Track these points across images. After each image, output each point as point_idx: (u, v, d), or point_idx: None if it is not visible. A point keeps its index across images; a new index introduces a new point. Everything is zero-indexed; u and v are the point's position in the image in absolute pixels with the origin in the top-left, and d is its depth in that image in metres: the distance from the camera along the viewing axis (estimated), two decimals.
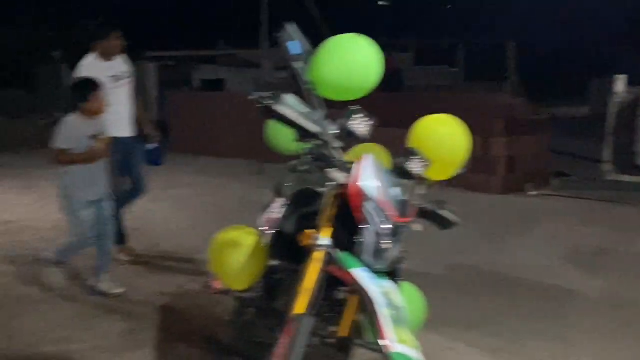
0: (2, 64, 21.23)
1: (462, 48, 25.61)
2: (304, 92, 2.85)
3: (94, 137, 5.06)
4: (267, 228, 3.31)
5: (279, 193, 3.55)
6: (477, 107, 10.08)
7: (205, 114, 13.91)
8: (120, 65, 5.99)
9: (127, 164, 5.96)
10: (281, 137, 3.49)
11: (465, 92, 17.83)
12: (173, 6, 29.29)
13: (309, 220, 2.77)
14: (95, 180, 5.12)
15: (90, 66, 5.71)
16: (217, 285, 3.12)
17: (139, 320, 4.79)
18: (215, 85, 18.90)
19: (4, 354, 4.29)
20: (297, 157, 3.50)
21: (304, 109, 2.67)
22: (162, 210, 8.40)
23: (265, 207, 3.56)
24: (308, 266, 2.59)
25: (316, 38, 3.12)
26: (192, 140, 13.74)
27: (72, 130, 4.99)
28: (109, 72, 5.75)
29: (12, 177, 10.67)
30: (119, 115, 5.79)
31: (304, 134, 2.71)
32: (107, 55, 5.84)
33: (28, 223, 7.61)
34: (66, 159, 5.01)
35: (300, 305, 2.55)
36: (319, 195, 2.88)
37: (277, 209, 3.44)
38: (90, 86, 5.10)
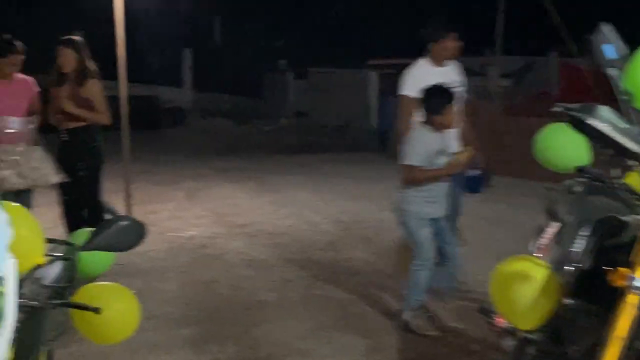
0: (233, 72, 22.40)
1: None
2: (619, 104, 2.44)
3: (442, 152, 4.55)
4: (541, 256, 2.94)
5: (553, 216, 3.15)
6: None
7: None
8: (453, 72, 5.17)
9: None
10: (560, 151, 3.10)
11: None
12: (395, 14, 29.40)
13: (614, 254, 2.35)
14: (438, 197, 4.62)
15: (420, 72, 5.02)
16: (501, 322, 2.78)
17: (380, 338, 4.57)
18: None
19: None
20: (569, 175, 3.09)
21: (622, 123, 2.26)
22: (380, 221, 8.18)
23: (538, 231, 3.17)
24: (620, 311, 2.18)
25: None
26: None
27: (422, 146, 4.50)
28: (442, 79, 4.79)
29: (244, 181, 11.05)
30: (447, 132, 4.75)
31: (621, 153, 2.30)
32: (439, 60, 5.09)
33: (263, 227, 7.75)
34: (422, 176, 4.51)
35: (611, 356, 2.14)
36: (623, 225, 2.45)
37: (551, 235, 3.05)
38: (446, 97, 4.49)
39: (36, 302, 1.88)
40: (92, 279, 2.67)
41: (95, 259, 2.58)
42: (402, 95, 5.04)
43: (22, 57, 5.51)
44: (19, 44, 5.47)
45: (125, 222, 2.11)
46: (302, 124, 18.89)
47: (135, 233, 2.15)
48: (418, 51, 5.30)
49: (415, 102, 4.73)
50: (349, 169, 12.32)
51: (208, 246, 6.91)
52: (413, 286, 4.65)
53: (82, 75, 5.61)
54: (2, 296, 1.66)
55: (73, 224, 5.60)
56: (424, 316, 4.70)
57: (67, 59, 5.58)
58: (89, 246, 2.11)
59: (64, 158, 5.57)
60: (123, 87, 7.21)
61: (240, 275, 5.98)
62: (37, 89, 5.64)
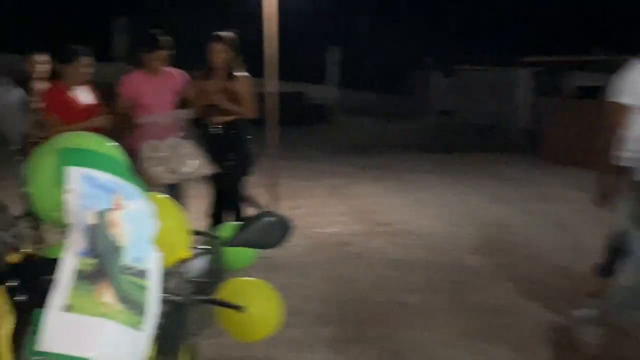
0: (378, 69, 22.32)
1: None
2: None
3: None
4: None
5: None
6: None
7: (580, 123, 12.89)
8: None
9: None
10: None
11: None
12: (547, 11, 28.21)
13: None
14: None
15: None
16: None
17: (532, 353, 4.28)
18: (591, 92, 17.60)
19: None
20: None
21: None
22: (528, 224, 7.73)
23: None
24: None
25: None
26: (567, 150, 12.82)
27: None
28: None
29: (386, 179, 10.90)
30: None
31: None
32: None
33: (405, 226, 7.56)
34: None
35: None
36: None
37: None
38: None
39: (180, 298, 1.82)
40: (236, 272, 2.61)
41: (240, 253, 2.51)
42: (613, 102, 4.46)
43: (168, 52, 5.61)
44: (164, 39, 5.57)
45: (271, 219, 2.02)
46: (446, 123, 18.47)
47: (281, 230, 2.05)
48: (570, 48, 4.83)
49: (628, 111, 4.34)
50: (496, 170, 11.85)
51: (349, 244, 6.82)
52: (618, 299, 4.17)
53: (231, 70, 5.68)
54: (145, 290, 1.60)
55: (219, 217, 5.68)
56: (601, 335, 4.22)
57: (218, 55, 5.66)
58: (233, 242, 2.03)
59: (213, 151, 5.65)
60: (271, 83, 7.26)
61: (382, 275, 5.84)
62: (185, 80, 5.75)
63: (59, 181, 1.57)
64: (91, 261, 1.52)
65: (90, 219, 1.55)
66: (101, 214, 1.57)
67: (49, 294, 1.47)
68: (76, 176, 1.58)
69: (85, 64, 5.39)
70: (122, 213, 1.61)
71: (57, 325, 1.45)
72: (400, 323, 4.77)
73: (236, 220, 2.25)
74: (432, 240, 6.97)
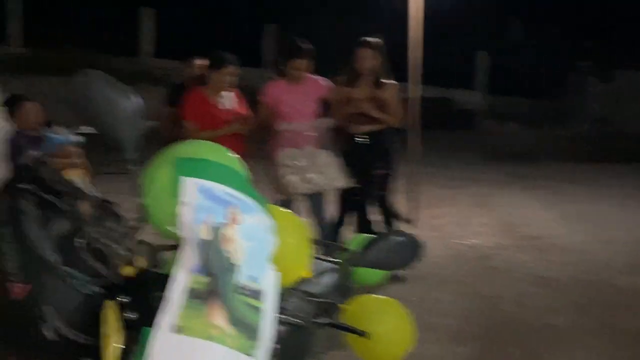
0: (530, 74, 21.49)
1: None
2: None
3: None
4: None
5: None
6: None
7: None
8: None
9: None
10: None
11: None
12: None
13: None
14: None
15: None
16: None
17: None
18: None
19: None
20: None
21: None
22: None
23: None
24: None
25: None
26: None
27: None
28: None
29: (535, 189, 10.40)
30: None
31: None
32: None
33: (554, 241, 7.14)
34: None
35: None
36: None
37: None
38: None
39: (299, 320, 1.71)
40: (368, 286, 2.48)
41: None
42: None
43: (309, 60, 5.48)
44: (306, 47, 5.42)
45: (401, 239, 1.86)
46: (603, 131, 17.44)
47: (411, 252, 1.90)
48: None
49: None
50: None
51: (492, 257, 6.51)
52: None
53: (378, 77, 5.54)
54: (260, 312, 1.49)
55: (360, 227, 5.56)
56: None
57: (366, 60, 5.52)
58: (358, 262, 1.89)
59: (359, 161, 5.49)
60: (415, 89, 7.08)
61: (527, 293, 5.50)
62: (329, 88, 5.61)
63: (174, 192, 1.50)
64: (204, 279, 1.43)
65: (204, 233, 1.47)
66: (216, 228, 1.48)
67: (159, 312, 1.39)
68: (192, 187, 1.50)
69: (231, 72, 5.41)
70: (238, 228, 1.52)
71: (165, 346, 1.37)
72: (544, 345, 4.46)
73: (367, 233, 2.11)
74: (583, 257, 6.52)
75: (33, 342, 1.51)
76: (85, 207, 1.51)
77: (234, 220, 1.52)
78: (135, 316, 1.42)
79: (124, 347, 1.41)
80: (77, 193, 1.53)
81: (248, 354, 1.45)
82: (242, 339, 1.44)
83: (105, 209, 1.51)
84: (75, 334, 1.51)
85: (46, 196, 1.52)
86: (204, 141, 1.60)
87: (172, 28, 17.85)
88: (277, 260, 1.60)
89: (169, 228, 1.51)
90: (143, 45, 17.83)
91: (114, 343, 1.40)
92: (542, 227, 7.81)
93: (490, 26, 21.90)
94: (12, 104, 5.79)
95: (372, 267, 1.96)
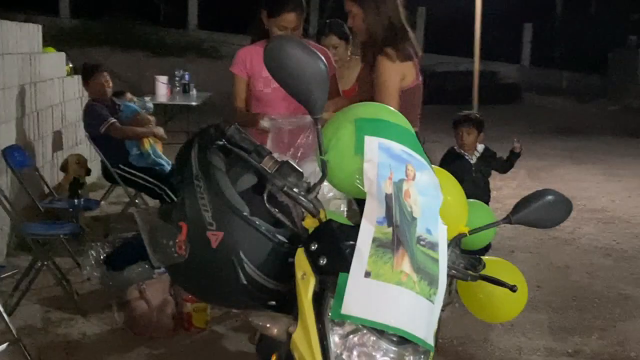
0: (575, 48, 21.20)
1: None
2: None
3: None
4: None
5: None
6: None
7: None
8: None
9: None
10: None
11: None
12: None
13: None
14: None
15: None
16: None
17: None
18: None
19: (614, 359, 3.92)
20: None
21: None
22: None
23: None
24: None
25: None
26: None
27: None
28: None
29: (590, 163, 10.33)
30: None
31: None
32: None
33: (617, 214, 7.14)
34: None
35: None
36: None
37: None
38: None
39: (457, 272, 1.81)
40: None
41: (483, 233, 2.47)
42: None
43: (299, 15, 4.49)
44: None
45: (556, 197, 1.95)
46: None
47: (564, 209, 1.99)
48: None
49: None
50: None
51: (557, 229, 6.50)
52: None
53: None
54: (436, 262, 1.60)
55: None
56: None
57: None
58: (518, 219, 1.99)
59: None
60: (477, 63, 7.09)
61: (596, 264, 5.55)
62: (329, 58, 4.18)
63: (356, 150, 1.60)
64: (388, 230, 1.54)
65: (387, 188, 1.57)
66: (397, 183, 1.59)
67: (349, 259, 1.50)
68: (374, 146, 1.60)
69: None
70: (413, 184, 1.62)
71: (358, 290, 1.48)
72: (623, 315, 4.53)
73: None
74: None
75: (226, 287, 1.64)
76: (269, 163, 1.61)
77: (411, 177, 1.62)
78: (325, 262, 1.52)
79: (318, 290, 1.52)
80: (259, 150, 1.64)
81: (430, 300, 1.56)
82: (424, 286, 1.54)
83: (287, 165, 1.61)
84: (265, 279, 1.63)
85: (238, 152, 1.63)
86: (378, 103, 1.70)
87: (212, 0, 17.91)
88: (442, 216, 1.70)
89: (349, 183, 1.62)
90: (190, 18, 17.93)
91: (309, 287, 1.52)
92: (602, 199, 7.80)
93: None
94: (88, 74, 5.96)
95: (531, 225, 2.05)
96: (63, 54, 7.20)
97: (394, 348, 1.50)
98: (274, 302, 1.68)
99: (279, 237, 1.64)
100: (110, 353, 3.80)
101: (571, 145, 12.08)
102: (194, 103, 8.70)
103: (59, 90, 6.78)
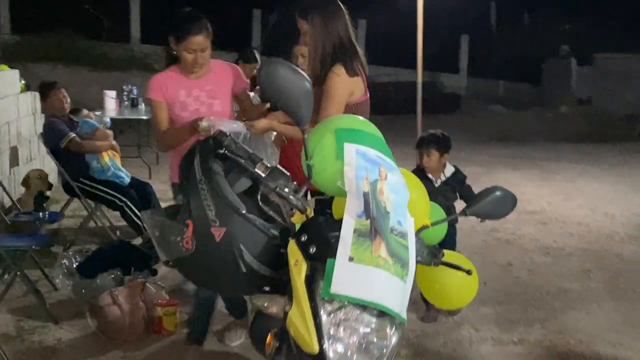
0: (509, 58, 21.92)
1: None
2: None
3: None
4: None
5: None
6: None
7: None
8: None
9: None
10: None
11: None
12: None
13: None
14: None
15: None
16: None
17: None
18: None
19: (554, 346, 4.27)
20: None
21: None
22: None
23: None
24: None
25: None
26: None
27: None
28: None
29: (527, 168, 10.84)
30: None
31: None
32: None
33: (554, 215, 7.59)
34: None
35: None
36: None
37: None
38: None
39: (420, 259, 2.10)
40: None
41: (437, 228, 2.76)
42: None
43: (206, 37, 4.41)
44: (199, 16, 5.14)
45: (504, 192, 2.28)
46: (584, 112, 18.00)
47: (511, 203, 2.31)
48: None
49: None
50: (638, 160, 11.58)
51: (499, 230, 6.93)
52: None
53: None
54: (407, 249, 1.89)
55: None
56: None
57: None
58: (472, 211, 2.30)
59: None
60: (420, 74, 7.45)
61: (536, 261, 5.95)
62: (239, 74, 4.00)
63: (337, 155, 1.88)
64: (366, 222, 1.82)
65: (365, 187, 1.85)
66: (373, 183, 1.87)
67: (334, 247, 1.78)
68: (352, 151, 1.88)
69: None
70: (385, 183, 1.91)
71: (344, 272, 1.76)
72: (562, 307, 4.91)
73: None
74: (584, 229, 6.98)
75: (228, 275, 1.89)
76: (262, 168, 1.88)
77: (383, 177, 1.91)
78: (314, 250, 1.79)
79: (309, 275, 1.79)
80: (252, 158, 1.90)
81: (403, 280, 1.84)
82: (398, 268, 1.83)
83: (277, 170, 1.89)
84: (261, 268, 1.89)
85: (237, 159, 1.89)
86: (353, 115, 1.99)
87: (157, 12, 17.97)
88: (409, 210, 1.99)
89: (331, 184, 1.90)
90: (133, 32, 17.95)
91: (301, 272, 1.79)
92: (539, 202, 8.25)
93: (472, 10, 22.25)
94: (46, 92, 6.11)
95: (483, 217, 2.36)
96: (17, 71, 7.30)
97: (374, 320, 1.79)
98: (267, 288, 1.94)
99: (272, 231, 1.90)
100: (85, 357, 3.97)
101: (509, 151, 12.62)
102: (144, 117, 8.84)
103: (14, 107, 6.88)
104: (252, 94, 4.93)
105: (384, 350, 1.81)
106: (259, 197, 1.87)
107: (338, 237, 1.78)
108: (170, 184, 3.92)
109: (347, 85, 3.41)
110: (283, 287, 1.86)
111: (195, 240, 1.87)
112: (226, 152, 1.90)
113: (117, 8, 17.72)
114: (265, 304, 1.82)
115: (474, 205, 2.27)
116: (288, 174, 1.90)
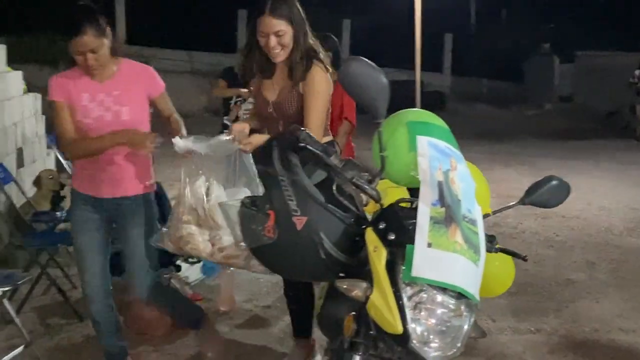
0: (492, 56, 22.17)
1: None
2: None
3: None
4: None
5: None
6: None
7: None
8: None
9: None
10: None
11: None
12: None
13: None
14: None
15: None
16: None
17: None
18: None
19: (571, 334, 4.41)
20: None
21: None
22: None
23: None
24: None
25: None
26: None
27: None
28: None
29: (516, 164, 11.04)
30: None
31: None
32: None
33: (551, 209, 7.70)
34: None
35: None
36: None
37: None
38: None
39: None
40: None
41: None
42: None
43: (97, 37, 3.42)
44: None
45: (559, 181, 2.40)
46: (567, 109, 18.31)
47: (565, 193, 2.43)
48: None
49: None
50: (624, 156, 11.81)
51: (500, 225, 7.05)
52: None
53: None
54: (477, 235, 1.99)
55: None
56: None
57: None
58: (530, 200, 2.41)
59: None
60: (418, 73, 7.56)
61: (541, 254, 6.09)
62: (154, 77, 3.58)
63: (410, 147, 1.98)
64: (441, 210, 1.92)
65: (439, 177, 1.96)
66: (445, 173, 1.97)
67: (412, 234, 1.88)
68: (425, 143, 1.99)
69: None
70: (457, 173, 2.01)
71: (423, 257, 1.86)
72: (572, 297, 5.05)
73: None
74: (583, 223, 7.15)
75: (308, 262, 1.99)
76: (336, 160, 1.97)
77: (454, 167, 2.01)
78: (393, 237, 1.90)
79: (389, 260, 1.89)
80: (328, 150, 2.00)
81: (476, 264, 1.95)
82: (472, 253, 1.94)
83: (351, 162, 1.98)
84: (339, 254, 1.99)
85: (314, 150, 1.98)
86: (421, 110, 2.09)
87: (142, 14, 17.94)
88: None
89: (404, 174, 2.00)
90: (118, 33, 17.91)
91: (381, 258, 1.88)
92: None
93: (455, 9, 22.45)
94: None
95: (540, 206, 2.47)
96: (20, 72, 7.30)
97: (452, 301, 1.89)
98: (342, 274, 2.04)
99: (350, 219, 2.00)
100: None
101: (494, 149, 12.79)
102: None
103: (19, 108, 6.89)
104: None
105: (459, 332, 1.92)
106: (334, 188, 1.97)
107: (414, 225, 1.88)
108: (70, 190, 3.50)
109: (330, 80, 3.22)
110: (357, 272, 1.95)
111: (277, 229, 1.96)
112: (305, 145, 1.99)
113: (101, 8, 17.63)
114: (351, 288, 1.91)
115: (532, 194, 2.38)
116: (361, 164, 1.99)
